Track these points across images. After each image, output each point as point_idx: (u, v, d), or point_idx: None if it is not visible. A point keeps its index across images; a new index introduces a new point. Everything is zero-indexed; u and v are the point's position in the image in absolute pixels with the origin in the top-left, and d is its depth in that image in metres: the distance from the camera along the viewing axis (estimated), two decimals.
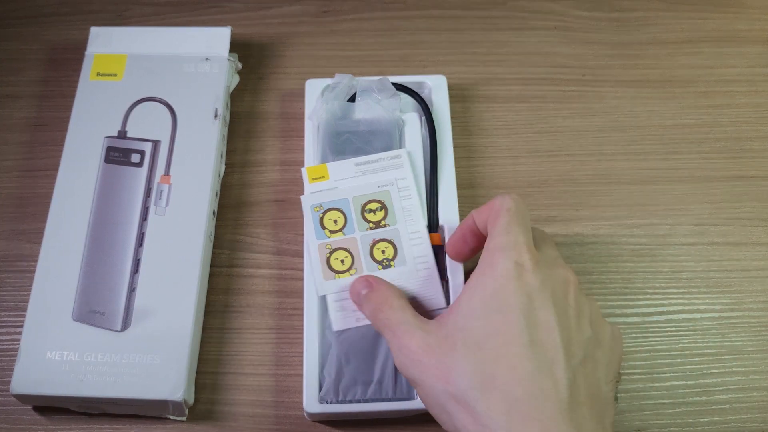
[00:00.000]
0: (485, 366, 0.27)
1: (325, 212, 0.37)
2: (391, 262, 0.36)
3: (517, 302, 0.28)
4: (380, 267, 0.36)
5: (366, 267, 0.36)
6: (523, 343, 0.27)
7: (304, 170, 0.39)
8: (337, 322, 0.36)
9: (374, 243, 0.37)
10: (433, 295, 0.36)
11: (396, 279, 0.36)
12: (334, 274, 0.36)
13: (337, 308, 0.36)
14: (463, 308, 0.29)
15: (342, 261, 0.36)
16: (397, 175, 0.39)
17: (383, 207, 0.37)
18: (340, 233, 0.37)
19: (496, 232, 0.30)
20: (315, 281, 0.36)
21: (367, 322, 0.35)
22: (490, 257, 0.30)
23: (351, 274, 0.36)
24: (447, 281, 0.37)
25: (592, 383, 0.28)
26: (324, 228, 0.37)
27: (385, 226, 0.37)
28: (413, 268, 0.36)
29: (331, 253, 0.37)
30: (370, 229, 0.37)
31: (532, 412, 0.26)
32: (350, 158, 0.40)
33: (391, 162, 0.39)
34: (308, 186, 0.39)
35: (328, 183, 0.39)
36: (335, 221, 0.37)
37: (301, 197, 0.37)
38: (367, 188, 0.38)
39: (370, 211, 0.37)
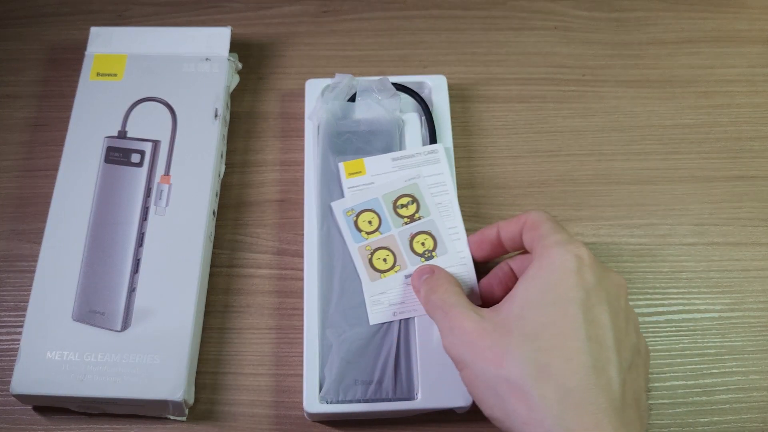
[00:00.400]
0: (541, 355, 0.27)
1: (358, 215, 0.38)
2: (433, 253, 0.37)
3: (576, 296, 0.28)
4: (423, 259, 0.36)
5: (409, 261, 0.36)
6: (580, 338, 0.27)
7: (341, 165, 0.40)
8: (374, 316, 0.36)
9: (413, 237, 0.37)
10: (468, 292, 0.36)
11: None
12: (379, 274, 0.37)
13: (373, 302, 0.36)
14: (519, 298, 0.30)
15: (384, 260, 0.37)
16: (434, 170, 0.39)
17: (414, 200, 0.38)
18: (377, 233, 0.37)
19: (547, 232, 0.31)
20: (362, 284, 0.37)
21: (403, 316, 0.36)
22: (548, 252, 0.30)
23: (396, 272, 0.36)
24: None
25: (636, 389, 0.29)
26: (360, 230, 0.37)
27: (419, 218, 0.37)
28: (455, 258, 0.37)
29: (372, 253, 0.37)
30: (406, 224, 0.37)
31: (585, 404, 0.26)
32: (386, 154, 0.40)
33: (428, 157, 0.40)
34: (345, 181, 0.39)
35: (366, 178, 0.39)
36: (369, 222, 0.37)
37: (332, 204, 0.38)
38: (395, 184, 0.38)
39: (402, 206, 0.38)
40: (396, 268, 0.36)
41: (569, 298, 0.28)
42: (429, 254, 0.36)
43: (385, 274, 0.36)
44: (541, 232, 0.32)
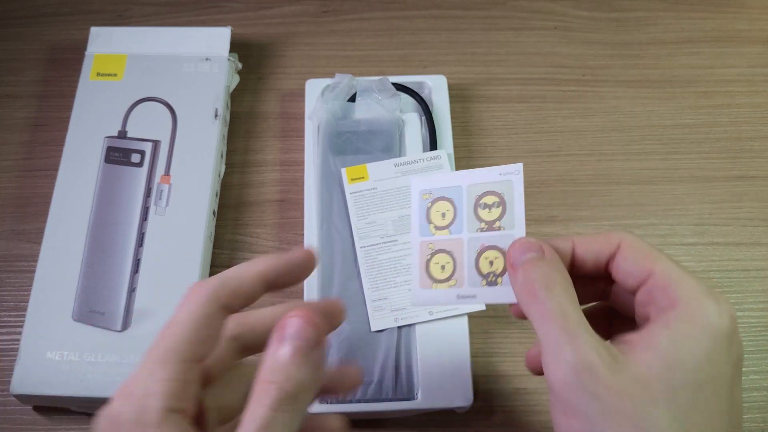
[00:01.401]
0: None
1: (433, 201, 0.30)
2: (498, 279, 0.28)
3: (728, 373, 0.23)
4: (484, 282, 0.28)
5: (468, 280, 0.28)
6: (725, 424, 0.23)
7: (343, 171, 0.40)
8: (375, 323, 0.36)
9: (482, 250, 0.28)
10: None
11: (496, 300, 0.28)
12: (431, 281, 0.29)
13: (375, 308, 0.36)
14: (668, 354, 0.23)
15: (443, 267, 0.29)
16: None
17: (502, 203, 0.29)
18: (446, 231, 0.29)
19: (682, 277, 0.24)
20: (411, 287, 0.30)
21: (405, 322, 0.33)
22: (700, 305, 0.23)
23: (450, 286, 0.29)
24: None
25: None
26: (430, 222, 0.29)
27: (499, 228, 0.28)
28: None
29: (432, 255, 0.29)
30: (482, 230, 0.29)
31: None
32: (389, 159, 0.40)
33: (431, 163, 0.40)
34: (348, 186, 0.39)
35: (368, 183, 0.39)
36: (443, 215, 0.29)
37: (411, 178, 0.30)
38: (486, 175, 0.29)
39: (486, 206, 0.29)
40: (452, 282, 0.29)
41: (723, 374, 0.23)
42: (494, 279, 0.28)
43: (438, 284, 0.29)
44: (667, 271, 0.24)
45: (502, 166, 0.29)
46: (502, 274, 0.28)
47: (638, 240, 0.26)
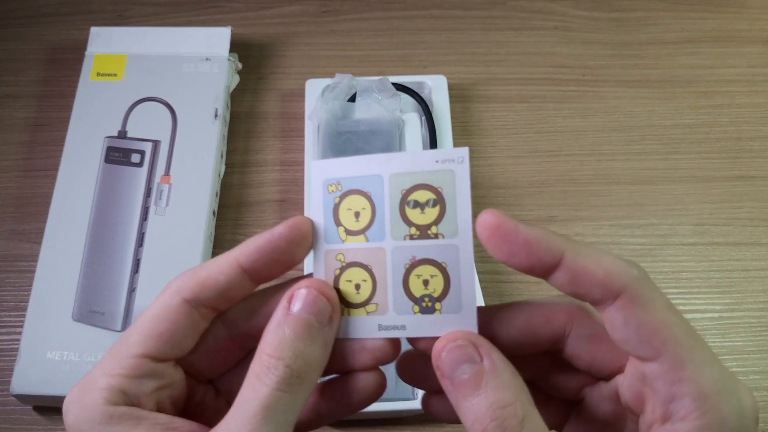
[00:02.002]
0: None
1: (343, 196, 0.21)
2: (437, 305, 0.20)
3: None
4: (417, 309, 0.21)
5: (394, 304, 0.21)
6: None
7: None
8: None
9: (413, 264, 0.21)
10: None
11: (436, 333, 0.20)
12: (342, 306, 0.21)
13: None
14: None
15: (358, 287, 0.21)
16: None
17: (439, 201, 0.20)
18: (362, 237, 0.21)
19: (688, 357, 0.18)
20: None
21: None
22: (711, 410, 0.17)
23: (368, 312, 0.21)
24: None
25: None
26: (339, 224, 0.21)
27: (436, 236, 0.21)
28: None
29: (342, 269, 0.21)
30: (412, 237, 0.21)
31: None
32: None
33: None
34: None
35: None
36: (357, 214, 0.21)
37: (312, 163, 0.22)
38: (417, 162, 0.21)
39: (417, 204, 0.21)
40: (370, 308, 0.21)
41: None
42: (430, 304, 0.20)
43: (353, 310, 0.21)
44: (675, 350, 0.18)
45: (441, 150, 0.21)
46: (441, 297, 0.20)
47: (646, 290, 0.18)
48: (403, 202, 0.21)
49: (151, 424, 0.18)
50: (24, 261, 0.41)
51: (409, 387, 0.35)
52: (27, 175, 0.44)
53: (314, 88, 0.44)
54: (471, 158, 0.44)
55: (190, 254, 0.38)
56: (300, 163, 0.43)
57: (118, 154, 0.41)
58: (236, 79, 0.46)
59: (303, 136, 0.43)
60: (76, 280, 0.37)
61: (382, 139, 0.41)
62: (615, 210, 0.43)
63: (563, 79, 0.48)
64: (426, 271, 0.21)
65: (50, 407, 0.37)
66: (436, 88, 0.44)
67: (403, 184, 0.21)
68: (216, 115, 0.42)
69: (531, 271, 0.19)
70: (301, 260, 0.21)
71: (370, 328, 0.21)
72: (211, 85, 0.43)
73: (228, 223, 0.42)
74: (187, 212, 0.39)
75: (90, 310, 0.37)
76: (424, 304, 0.20)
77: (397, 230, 0.21)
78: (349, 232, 0.21)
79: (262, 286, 0.21)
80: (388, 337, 0.21)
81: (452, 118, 0.43)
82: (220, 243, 0.41)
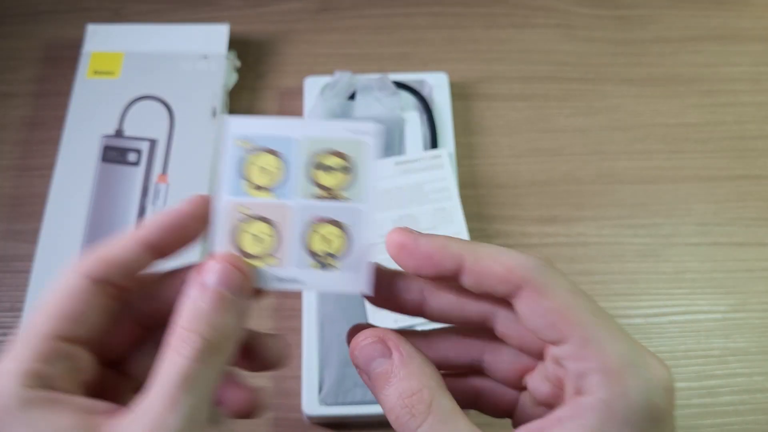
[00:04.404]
0: None
1: (253, 152, 0.23)
2: (335, 261, 0.22)
3: None
4: (315, 264, 0.22)
5: (294, 259, 0.22)
6: None
7: None
8: (375, 323, 0.34)
9: (316, 222, 0.22)
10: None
11: (331, 288, 0.22)
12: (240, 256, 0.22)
13: (375, 309, 0.35)
14: None
15: (259, 239, 0.22)
16: (437, 176, 0.38)
17: (348, 168, 0.23)
18: (268, 193, 0.23)
19: (594, 335, 0.18)
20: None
21: (405, 324, 0.32)
22: (615, 385, 0.18)
23: (267, 265, 0.22)
24: None
25: None
26: (246, 179, 0.23)
27: (342, 198, 0.23)
28: (365, 279, 0.22)
29: (244, 222, 0.22)
30: (318, 198, 0.23)
31: None
32: (389, 158, 0.39)
33: (432, 162, 0.39)
34: None
35: None
36: (266, 172, 0.23)
37: (225, 117, 0.24)
38: (330, 130, 0.23)
39: (326, 168, 0.23)
40: (270, 261, 0.22)
41: None
42: (326, 260, 0.22)
43: (252, 261, 0.22)
44: (582, 332, 0.18)
45: (353, 122, 0.23)
46: (340, 255, 0.22)
47: (549, 280, 0.19)
48: (314, 165, 0.23)
49: (73, 407, 0.18)
50: (20, 261, 0.40)
51: None
52: (23, 175, 0.43)
53: (313, 86, 0.43)
54: (472, 157, 0.44)
55: (188, 254, 0.38)
56: None
57: (115, 153, 0.40)
58: (234, 76, 0.46)
59: None
60: None
61: (382, 137, 0.41)
62: (618, 210, 0.43)
63: (566, 77, 0.47)
64: (328, 230, 0.22)
65: None
66: (437, 86, 0.43)
67: (315, 148, 0.22)
68: (214, 114, 0.42)
69: (440, 279, 0.20)
70: (202, 235, 0.21)
71: (268, 280, 0.22)
72: (208, 83, 0.43)
73: None
74: None
75: None
76: (323, 261, 0.22)
77: (304, 190, 0.22)
78: (256, 188, 0.22)
79: (163, 268, 0.21)
80: (286, 289, 0.22)
81: (453, 116, 0.43)
82: None
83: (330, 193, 0.23)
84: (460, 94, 0.46)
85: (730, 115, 0.46)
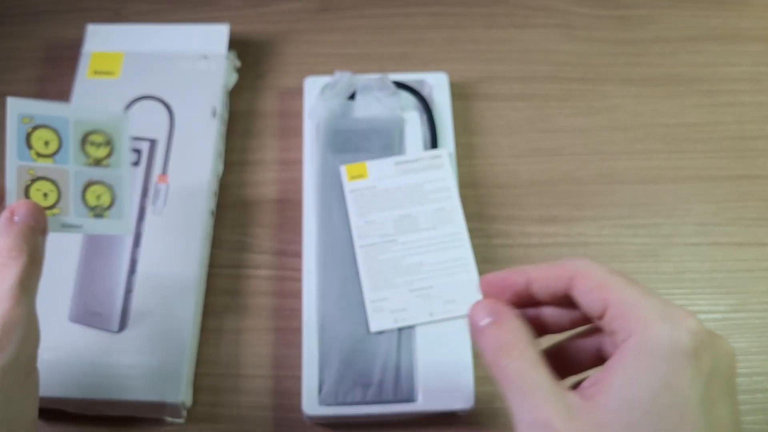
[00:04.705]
0: None
1: (35, 128, 0.30)
2: (105, 212, 0.31)
3: (696, 393, 0.22)
4: (91, 214, 0.30)
5: (74, 210, 0.30)
6: None
7: (342, 168, 0.39)
8: (375, 323, 0.36)
9: (89, 183, 0.30)
10: None
11: (104, 231, 0.31)
12: None
13: (375, 308, 0.36)
14: (622, 392, 0.23)
15: (45, 195, 0.30)
16: (437, 176, 0.39)
17: (109, 143, 0.31)
18: (50, 159, 0.30)
19: (635, 300, 0.23)
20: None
21: (405, 323, 0.34)
22: (653, 332, 0.22)
23: (53, 214, 0.30)
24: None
25: None
26: (30, 148, 0.30)
27: (107, 165, 0.31)
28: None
29: (32, 181, 0.29)
30: (89, 165, 0.30)
31: None
32: (389, 157, 0.40)
33: (432, 162, 0.39)
34: (347, 184, 0.39)
35: (367, 182, 0.39)
36: (46, 143, 0.30)
37: (8, 99, 0.30)
38: (96, 114, 0.31)
39: (93, 143, 0.31)
40: (55, 210, 0.30)
41: (688, 396, 0.22)
42: (100, 212, 0.30)
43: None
44: (620, 296, 0.24)
45: (111, 109, 0.32)
46: (109, 207, 0.31)
47: (592, 267, 0.25)
48: (85, 140, 0.31)
49: None
50: None
51: (410, 388, 0.35)
52: None
53: (313, 86, 0.43)
54: (472, 157, 0.44)
55: (188, 254, 0.38)
56: (299, 162, 0.43)
57: None
58: (234, 77, 0.46)
59: (302, 135, 0.43)
60: (73, 280, 0.37)
61: (382, 137, 0.41)
62: (618, 210, 0.43)
63: (566, 77, 0.47)
64: (98, 189, 0.31)
65: (47, 408, 0.36)
66: (437, 86, 0.43)
67: (84, 128, 0.31)
68: (214, 114, 0.42)
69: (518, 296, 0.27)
70: None
71: (54, 225, 0.30)
72: (208, 83, 0.43)
73: (226, 222, 0.42)
74: (185, 212, 0.39)
75: (86, 311, 0.36)
76: (96, 212, 0.31)
77: (77, 159, 0.30)
78: (39, 155, 0.30)
79: None
80: (71, 233, 0.30)
81: (453, 116, 0.43)
82: (218, 243, 0.41)
83: (99, 162, 0.31)
84: (460, 94, 0.46)
85: (730, 115, 0.46)
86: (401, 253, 0.37)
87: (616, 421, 0.22)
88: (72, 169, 0.30)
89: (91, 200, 0.31)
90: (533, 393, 0.23)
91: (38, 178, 0.30)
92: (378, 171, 0.39)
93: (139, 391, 0.34)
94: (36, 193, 0.29)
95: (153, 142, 0.40)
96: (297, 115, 0.45)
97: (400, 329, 0.36)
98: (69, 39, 0.48)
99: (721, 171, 0.44)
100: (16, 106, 0.29)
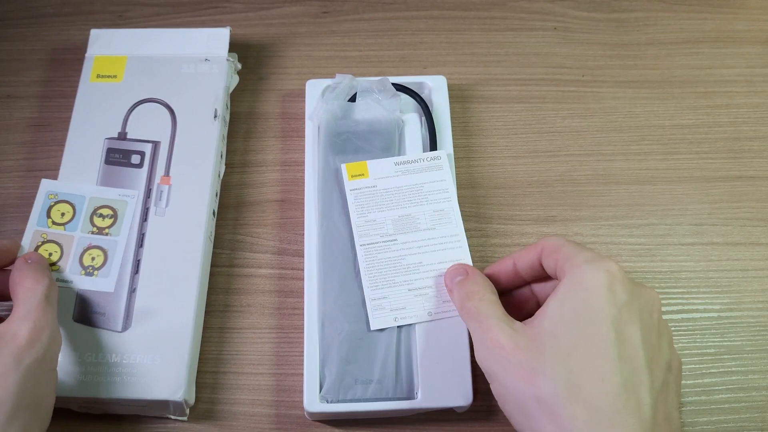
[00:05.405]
0: (572, 375, 0.27)
1: (56, 202, 0.38)
2: (96, 272, 0.37)
3: (609, 314, 0.28)
4: (83, 272, 0.37)
5: (69, 268, 0.37)
6: (612, 357, 0.27)
7: (343, 167, 0.40)
8: (375, 322, 0.36)
9: (88, 248, 0.37)
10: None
11: (90, 287, 0.37)
12: None
13: (374, 307, 0.36)
14: (552, 314, 0.29)
15: (50, 254, 0.37)
16: (436, 177, 0.39)
17: (114, 216, 0.38)
18: (62, 227, 0.37)
19: (571, 252, 0.31)
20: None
21: (405, 322, 0.36)
22: (578, 270, 0.30)
23: (52, 270, 0.36)
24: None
25: (667, 408, 0.28)
26: (49, 217, 0.38)
27: (107, 234, 0.37)
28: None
29: (42, 243, 0.37)
30: (92, 233, 0.37)
31: (615, 425, 0.26)
32: (389, 157, 0.40)
33: (431, 163, 0.40)
34: (348, 183, 0.39)
35: (368, 181, 0.39)
36: (62, 214, 0.38)
37: (43, 180, 0.38)
38: (108, 193, 0.38)
39: (101, 216, 0.38)
40: (54, 268, 0.37)
41: (602, 315, 0.28)
42: (92, 271, 0.36)
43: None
44: (564, 252, 0.31)
45: (125, 189, 0.39)
46: (100, 268, 0.37)
47: (555, 238, 0.32)
48: (94, 212, 0.38)
49: None
50: None
51: (410, 386, 0.35)
52: (28, 176, 0.44)
53: (314, 88, 0.44)
54: (470, 158, 0.45)
55: (190, 254, 0.38)
56: (300, 163, 0.43)
57: (118, 156, 0.41)
58: (236, 79, 0.46)
59: (303, 137, 0.43)
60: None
61: (382, 139, 0.42)
62: (614, 210, 0.43)
63: (562, 79, 0.48)
64: (95, 252, 0.37)
65: None
66: (436, 88, 0.44)
67: (97, 203, 0.38)
68: (215, 116, 0.42)
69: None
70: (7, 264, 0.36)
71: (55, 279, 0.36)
72: (210, 85, 0.43)
73: (228, 223, 0.42)
74: (187, 213, 0.39)
75: (90, 311, 0.37)
76: (87, 271, 0.37)
77: (84, 227, 0.38)
78: (54, 223, 0.38)
79: None
80: (62, 286, 0.36)
81: (452, 118, 0.43)
82: (220, 243, 0.42)
83: (100, 231, 0.38)
84: (458, 96, 0.47)
85: (725, 117, 0.47)
86: (401, 252, 0.38)
87: (546, 333, 0.29)
88: (77, 236, 0.37)
89: (87, 261, 0.37)
90: (488, 321, 0.30)
91: (48, 241, 0.37)
92: (378, 170, 0.40)
93: (142, 389, 0.35)
94: (43, 252, 0.37)
95: (156, 144, 0.41)
96: (298, 117, 0.46)
97: (399, 328, 0.37)
98: (73, 42, 0.48)
99: (716, 172, 0.45)
100: (47, 185, 0.38)
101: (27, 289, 0.33)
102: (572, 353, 0.28)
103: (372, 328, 0.36)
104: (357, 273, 0.38)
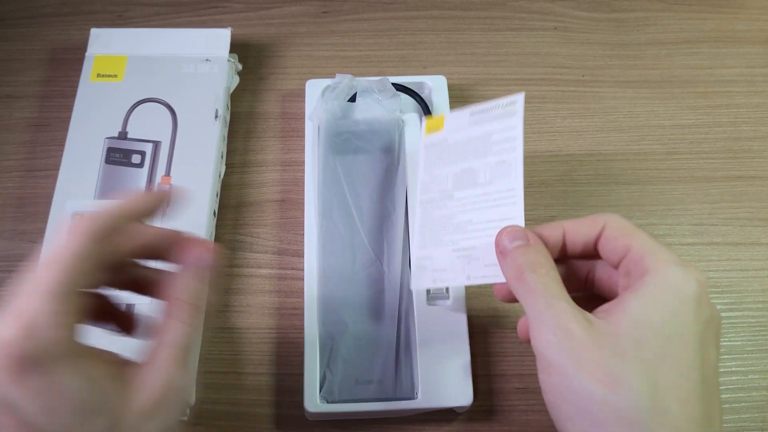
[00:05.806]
0: (657, 390, 0.25)
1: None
2: None
3: (696, 330, 0.26)
4: None
5: None
6: (697, 380, 0.25)
7: (423, 120, 0.38)
8: (416, 281, 0.34)
9: None
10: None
11: None
12: None
13: (418, 267, 0.34)
14: (636, 315, 0.26)
15: None
16: (507, 124, 0.34)
17: None
18: None
19: (657, 248, 0.27)
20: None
21: (443, 284, 0.33)
22: (666, 271, 0.26)
23: None
24: None
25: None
26: None
27: None
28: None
29: None
30: None
31: None
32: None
33: (506, 110, 0.35)
34: (423, 138, 0.36)
35: (441, 134, 0.36)
36: None
37: (66, 201, 0.39)
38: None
39: None
40: None
41: (691, 331, 0.26)
42: None
43: None
44: (643, 244, 0.27)
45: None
46: None
47: (620, 220, 0.29)
48: None
49: (104, 357, 0.25)
50: (25, 261, 0.41)
51: (410, 386, 0.35)
52: (28, 175, 0.44)
53: (314, 88, 0.44)
54: None
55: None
56: (300, 164, 0.43)
57: (119, 155, 0.41)
58: (236, 79, 0.46)
59: (303, 137, 0.43)
60: None
61: (381, 139, 0.42)
62: (614, 210, 0.43)
63: (562, 79, 0.48)
64: None
65: None
66: (436, 88, 0.44)
67: None
68: (216, 116, 0.43)
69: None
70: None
71: None
72: (211, 85, 0.43)
73: (228, 223, 0.42)
74: (188, 213, 0.39)
75: None
76: None
77: None
78: None
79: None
80: None
81: None
82: (220, 242, 0.42)
83: None
84: (458, 96, 0.47)
85: (725, 117, 0.47)
86: (454, 210, 0.34)
87: (628, 335, 0.25)
88: None
89: None
90: (558, 304, 0.26)
91: None
92: (453, 123, 0.36)
93: None
94: None
95: (156, 144, 0.41)
96: (298, 117, 0.46)
97: (399, 327, 0.37)
98: (73, 42, 0.48)
99: (716, 172, 0.45)
100: (71, 206, 0.39)
101: (171, 319, 0.26)
102: (658, 366, 0.25)
103: (412, 288, 0.35)
104: (357, 272, 0.38)
